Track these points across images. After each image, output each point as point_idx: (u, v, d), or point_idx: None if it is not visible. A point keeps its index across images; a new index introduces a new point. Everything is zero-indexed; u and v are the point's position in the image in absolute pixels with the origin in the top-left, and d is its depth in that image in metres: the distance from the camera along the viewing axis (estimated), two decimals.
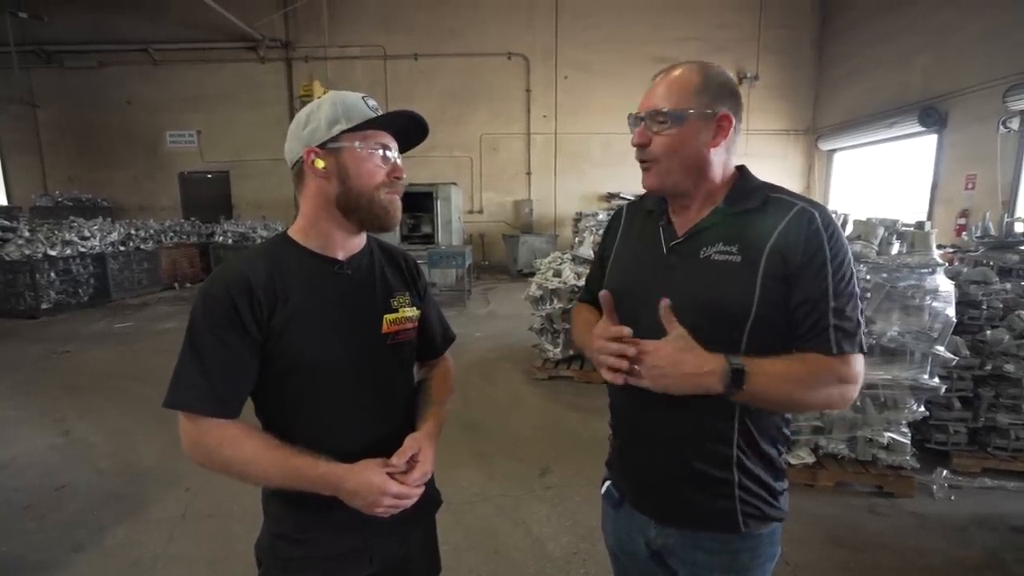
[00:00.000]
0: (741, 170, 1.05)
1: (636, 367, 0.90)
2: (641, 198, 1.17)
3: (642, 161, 1.01)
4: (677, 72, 0.97)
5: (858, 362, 0.93)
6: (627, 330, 0.91)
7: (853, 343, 0.92)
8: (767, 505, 1.03)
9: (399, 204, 1.04)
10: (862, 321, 0.94)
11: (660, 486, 1.06)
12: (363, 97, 1.00)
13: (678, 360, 0.87)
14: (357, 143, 0.97)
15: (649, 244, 1.07)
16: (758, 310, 0.94)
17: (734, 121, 0.97)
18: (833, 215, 0.98)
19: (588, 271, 1.30)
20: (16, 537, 2.56)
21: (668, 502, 1.06)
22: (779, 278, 0.93)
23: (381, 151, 0.99)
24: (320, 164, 0.97)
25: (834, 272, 0.92)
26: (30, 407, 4.19)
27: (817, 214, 0.94)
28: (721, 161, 1.00)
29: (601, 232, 1.30)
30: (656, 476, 1.06)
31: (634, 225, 1.15)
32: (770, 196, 0.99)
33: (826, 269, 0.92)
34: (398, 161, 1.03)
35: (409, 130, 1.05)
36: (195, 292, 0.98)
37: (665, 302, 0.92)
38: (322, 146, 0.97)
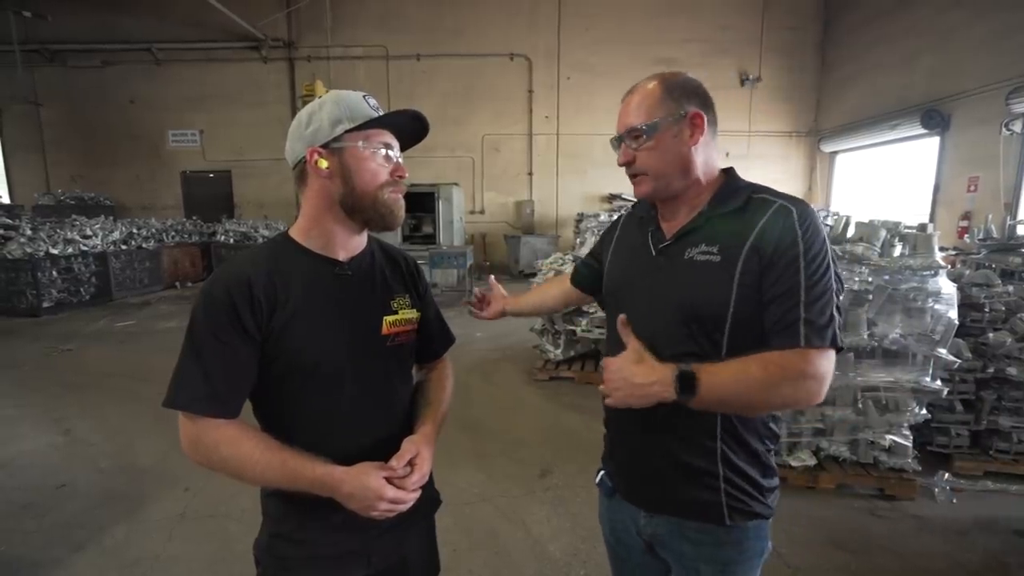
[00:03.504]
0: (727, 172, 1.07)
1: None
2: (633, 207, 1.21)
3: (632, 176, 1.06)
4: (639, 89, 1.03)
5: (826, 357, 0.90)
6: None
7: (823, 337, 0.89)
8: (753, 500, 1.04)
9: (402, 203, 1.04)
10: (837, 316, 0.91)
11: (648, 477, 1.09)
12: (364, 96, 0.99)
13: (629, 372, 0.91)
14: (360, 143, 0.97)
15: (640, 248, 1.11)
16: (736, 310, 0.94)
17: (706, 117, 1.00)
18: (817, 212, 0.98)
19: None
20: (16, 536, 2.56)
21: (656, 492, 1.08)
22: (755, 275, 0.93)
23: (384, 150, 0.99)
24: (324, 164, 0.97)
25: (807, 265, 0.90)
26: (31, 405, 4.19)
27: (795, 209, 0.94)
28: (703, 159, 1.02)
29: (602, 232, 1.35)
30: (644, 467, 1.09)
31: (629, 232, 1.19)
32: (752, 196, 1.00)
33: (798, 263, 0.91)
34: (400, 160, 1.03)
35: (409, 128, 1.05)
36: (196, 291, 0.98)
37: (622, 318, 0.98)
38: (325, 146, 0.97)
